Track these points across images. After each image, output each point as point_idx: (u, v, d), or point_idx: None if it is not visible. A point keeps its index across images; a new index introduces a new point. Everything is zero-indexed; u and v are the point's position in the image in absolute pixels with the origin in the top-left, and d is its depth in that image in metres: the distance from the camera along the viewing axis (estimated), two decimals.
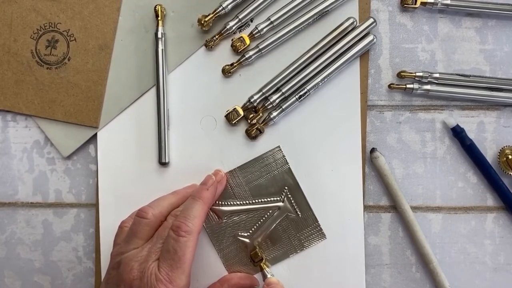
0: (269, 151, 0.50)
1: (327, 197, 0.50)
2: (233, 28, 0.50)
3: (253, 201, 0.50)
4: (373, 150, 0.50)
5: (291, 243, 0.50)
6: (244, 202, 0.50)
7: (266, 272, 0.49)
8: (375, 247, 0.51)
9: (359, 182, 0.50)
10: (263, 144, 0.50)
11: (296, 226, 0.50)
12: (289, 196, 0.50)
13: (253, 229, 0.50)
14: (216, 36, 0.50)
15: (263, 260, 0.49)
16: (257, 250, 0.49)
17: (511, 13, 0.50)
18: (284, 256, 0.50)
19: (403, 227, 0.51)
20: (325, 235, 0.50)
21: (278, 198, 0.50)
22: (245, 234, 0.50)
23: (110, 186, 0.51)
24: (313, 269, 0.50)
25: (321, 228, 0.50)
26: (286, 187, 0.50)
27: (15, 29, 0.51)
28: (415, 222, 0.49)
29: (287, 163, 0.50)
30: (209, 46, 0.50)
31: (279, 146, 0.50)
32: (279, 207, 0.50)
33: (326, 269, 0.50)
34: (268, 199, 0.50)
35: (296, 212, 0.50)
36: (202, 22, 0.49)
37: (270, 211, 0.50)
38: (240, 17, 0.50)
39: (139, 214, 0.45)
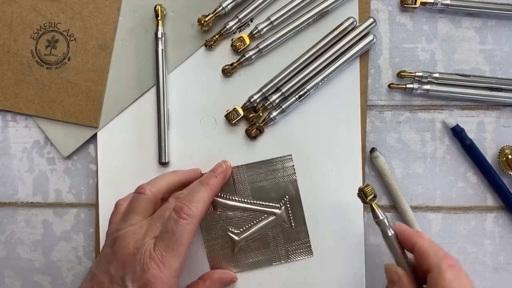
0: (280, 157, 0.50)
1: (327, 197, 0.50)
2: (233, 28, 0.50)
3: (252, 201, 0.50)
4: (373, 150, 0.50)
5: (278, 251, 0.50)
6: (243, 200, 0.50)
7: (378, 213, 0.43)
8: (375, 247, 0.51)
9: (359, 182, 0.50)
10: (263, 144, 0.50)
11: (287, 237, 0.50)
12: (288, 206, 0.50)
13: (244, 228, 0.50)
14: (216, 36, 0.50)
15: (376, 199, 0.43)
16: (370, 185, 0.43)
17: (511, 13, 0.50)
18: (267, 263, 0.50)
19: None
20: (312, 252, 0.50)
21: (277, 205, 0.50)
22: (235, 231, 0.50)
23: (110, 186, 0.51)
24: (313, 269, 0.50)
25: (310, 245, 0.50)
26: (287, 196, 0.50)
27: (15, 29, 0.51)
28: (415, 222, 0.49)
29: (295, 173, 0.50)
30: (209, 45, 0.50)
31: (291, 155, 0.50)
32: (275, 214, 0.50)
33: (326, 269, 0.50)
34: (267, 204, 0.50)
35: (291, 223, 0.50)
36: (202, 22, 0.49)
37: (265, 215, 0.50)
38: (240, 17, 0.50)
39: (137, 191, 0.45)
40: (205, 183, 0.45)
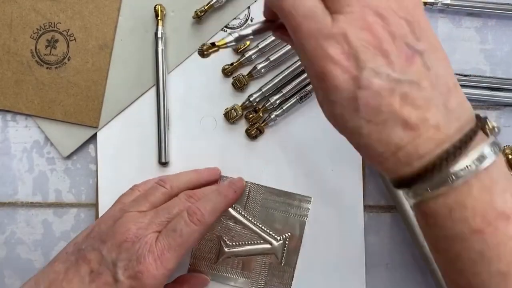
0: (301, 195, 0.50)
1: (327, 197, 0.50)
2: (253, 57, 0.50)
3: (256, 222, 0.50)
4: None
5: (257, 280, 0.49)
6: (248, 217, 0.50)
7: (227, 39, 0.37)
8: (375, 247, 0.51)
9: (359, 182, 0.50)
10: (263, 144, 0.50)
11: (272, 271, 0.49)
12: (287, 243, 0.50)
13: (237, 243, 0.50)
14: (235, 64, 0.50)
15: (215, 43, 0.38)
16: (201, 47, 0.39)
17: (511, 13, 0.50)
18: (243, 285, 0.49)
19: (403, 227, 0.50)
20: None
21: (277, 237, 0.50)
22: (228, 242, 0.50)
23: (110, 186, 0.51)
24: (313, 269, 0.50)
25: None
26: (290, 233, 0.50)
27: (15, 29, 0.51)
28: (415, 222, 0.49)
29: (307, 217, 0.50)
30: (227, 73, 0.50)
31: (311, 198, 0.50)
32: (271, 244, 0.50)
33: (326, 269, 0.50)
34: (268, 231, 0.50)
35: (282, 260, 0.50)
36: (198, 13, 0.49)
37: (262, 241, 0.50)
38: (260, 47, 0.50)
39: (159, 183, 0.45)
40: (223, 195, 0.44)
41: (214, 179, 0.49)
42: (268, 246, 0.50)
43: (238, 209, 0.50)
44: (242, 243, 0.50)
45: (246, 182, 0.50)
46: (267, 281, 0.49)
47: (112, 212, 0.43)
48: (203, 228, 0.41)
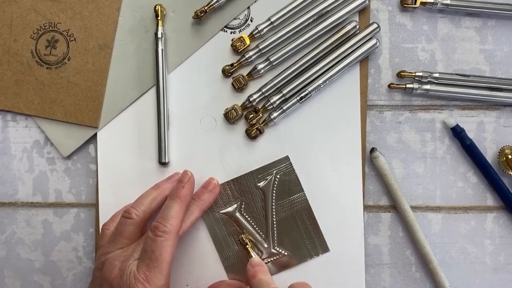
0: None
1: (327, 197, 0.50)
2: (253, 58, 0.50)
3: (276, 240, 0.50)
4: (373, 150, 0.50)
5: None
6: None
7: (251, 253, 0.48)
8: (375, 247, 0.51)
9: (359, 182, 0.50)
10: (263, 144, 0.50)
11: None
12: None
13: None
14: (235, 64, 0.50)
15: (250, 245, 0.49)
16: (243, 235, 0.49)
17: (511, 13, 0.50)
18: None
19: (403, 227, 0.51)
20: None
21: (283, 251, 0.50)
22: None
23: (110, 186, 0.51)
24: (312, 269, 0.50)
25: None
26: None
27: (15, 29, 0.51)
28: (415, 222, 0.49)
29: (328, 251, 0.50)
30: (227, 74, 0.50)
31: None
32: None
33: (326, 269, 0.50)
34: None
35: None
36: (198, 14, 0.49)
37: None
38: (260, 47, 0.50)
39: (124, 215, 0.46)
40: (175, 197, 0.46)
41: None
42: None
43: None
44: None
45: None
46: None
47: (98, 256, 0.46)
48: (170, 236, 0.43)
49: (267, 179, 0.50)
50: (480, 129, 0.51)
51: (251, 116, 0.50)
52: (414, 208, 0.50)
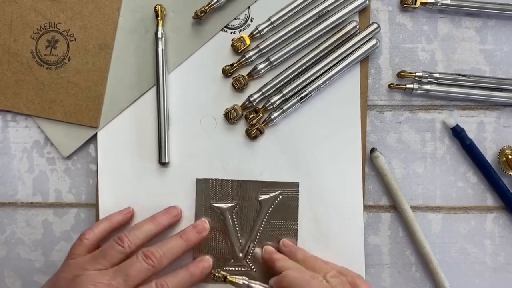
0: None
1: (327, 197, 0.50)
2: (253, 57, 0.50)
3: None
4: (373, 150, 0.50)
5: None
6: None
7: (237, 280, 0.46)
8: (375, 247, 0.51)
9: (359, 182, 0.50)
10: (263, 144, 0.50)
11: None
12: None
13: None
14: (235, 64, 0.50)
15: (227, 277, 0.46)
16: (215, 273, 0.46)
17: (511, 13, 0.50)
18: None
19: (403, 227, 0.51)
20: None
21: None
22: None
23: (110, 186, 0.51)
24: None
25: None
26: None
27: (15, 29, 0.51)
28: (415, 222, 0.49)
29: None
30: (228, 74, 0.50)
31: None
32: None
33: None
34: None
35: None
36: (198, 14, 0.49)
37: None
38: (260, 47, 0.50)
39: (116, 241, 0.45)
40: (185, 239, 0.46)
41: (174, 221, 0.49)
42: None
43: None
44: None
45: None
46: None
47: (74, 265, 0.44)
48: (156, 270, 0.43)
49: (269, 195, 0.50)
50: (480, 129, 0.51)
51: (251, 116, 0.50)
52: (414, 208, 0.50)
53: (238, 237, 0.50)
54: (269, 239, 0.50)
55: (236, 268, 0.50)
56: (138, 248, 0.45)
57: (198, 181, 0.50)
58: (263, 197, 0.50)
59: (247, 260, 0.50)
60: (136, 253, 0.44)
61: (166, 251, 0.45)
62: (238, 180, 0.50)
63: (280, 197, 0.50)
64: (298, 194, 0.50)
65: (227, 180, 0.50)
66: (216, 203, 0.50)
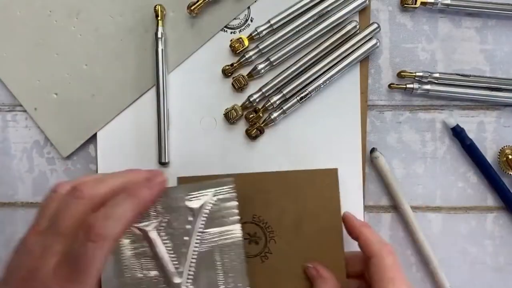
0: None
1: None
2: (252, 57, 0.50)
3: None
4: (373, 150, 0.50)
5: None
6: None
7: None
8: None
9: (359, 182, 0.50)
10: (263, 144, 0.50)
11: None
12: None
13: None
14: (235, 64, 0.50)
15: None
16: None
17: (511, 13, 0.50)
18: None
19: (403, 227, 0.51)
20: None
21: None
22: None
23: None
24: None
25: None
26: None
27: None
28: (415, 222, 0.49)
29: None
30: (228, 74, 0.50)
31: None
32: None
33: None
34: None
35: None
36: (192, 8, 0.49)
37: None
38: (260, 47, 0.50)
39: (72, 193, 0.35)
40: (132, 195, 0.35)
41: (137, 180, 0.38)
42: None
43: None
44: None
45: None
46: None
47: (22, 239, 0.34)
48: (105, 244, 0.32)
49: (200, 199, 0.41)
50: (480, 129, 0.51)
51: (251, 116, 0.50)
52: (414, 208, 0.50)
53: (172, 260, 0.41)
54: (209, 252, 0.41)
55: None
56: (101, 205, 0.34)
57: None
58: (193, 203, 0.41)
59: (188, 285, 0.41)
60: None
61: (112, 217, 0.33)
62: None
63: (214, 198, 0.42)
64: (234, 191, 0.42)
65: None
66: (136, 224, 0.40)
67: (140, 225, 0.40)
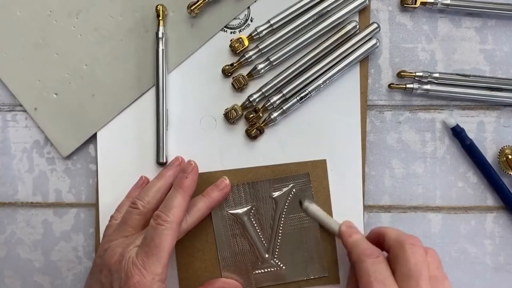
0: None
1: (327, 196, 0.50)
2: (252, 57, 0.50)
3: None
4: (300, 202, 0.50)
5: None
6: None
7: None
8: None
9: (359, 182, 0.50)
10: (263, 144, 0.50)
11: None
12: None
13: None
14: (235, 64, 0.50)
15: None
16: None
17: (511, 13, 0.50)
18: None
19: (403, 227, 0.50)
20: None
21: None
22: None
23: (110, 186, 0.51)
24: None
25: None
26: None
27: None
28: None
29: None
30: (228, 73, 0.50)
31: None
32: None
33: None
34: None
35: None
36: (192, 8, 0.49)
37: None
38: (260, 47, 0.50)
39: (131, 206, 0.46)
40: (177, 187, 0.46)
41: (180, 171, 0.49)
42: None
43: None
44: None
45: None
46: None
47: (102, 245, 0.46)
48: (171, 226, 0.43)
49: (282, 190, 0.50)
50: (480, 129, 0.51)
51: (251, 116, 0.50)
52: (414, 208, 0.50)
53: (261, 239, 0.50)
54: (291, 234, 0.50)
55: (266, 270, 0.50)
56: (153, 205, 0.47)
57: None
58: (276, 194, 0.50)
59: (275, 260, 0.50)
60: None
61: (170, 207, 0.44)
62: (248, 183, 0.50)
63: (294, 190, 0.50)
64: (310, 184, 0.50)
65: (237, 185, 0.50)
66: (232, 210, 0.50)
67: (234, 211, 0.50)
